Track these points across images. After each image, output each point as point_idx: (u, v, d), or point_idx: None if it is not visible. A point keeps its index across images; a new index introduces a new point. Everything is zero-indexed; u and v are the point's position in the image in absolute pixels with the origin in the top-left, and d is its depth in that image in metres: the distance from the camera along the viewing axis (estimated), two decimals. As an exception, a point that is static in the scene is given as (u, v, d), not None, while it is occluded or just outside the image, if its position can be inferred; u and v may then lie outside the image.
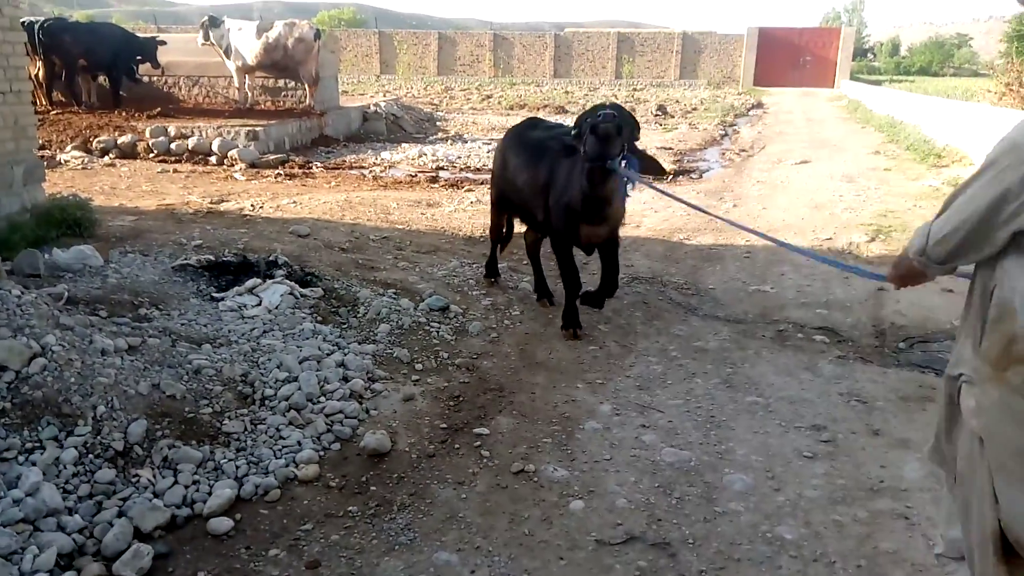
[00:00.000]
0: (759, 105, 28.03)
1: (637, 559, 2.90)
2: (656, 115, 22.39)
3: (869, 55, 58.76)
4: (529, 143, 5.35)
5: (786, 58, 41.92)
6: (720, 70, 42.02)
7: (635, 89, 35.88)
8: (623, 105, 4.99)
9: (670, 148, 15.11)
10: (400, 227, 7.82)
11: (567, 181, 4.84)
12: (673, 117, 22.19)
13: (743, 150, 15.38)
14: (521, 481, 3.42)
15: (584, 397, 4.24)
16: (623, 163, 4.48)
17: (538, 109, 24.02)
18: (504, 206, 5.83)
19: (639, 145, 4.88)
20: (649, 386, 4.39)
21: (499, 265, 6.23)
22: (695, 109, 24.99)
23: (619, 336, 5.15)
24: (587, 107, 5.50)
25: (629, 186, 4.66)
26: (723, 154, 14.99)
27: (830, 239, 7.87)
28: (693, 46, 42.63)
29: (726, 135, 18.47)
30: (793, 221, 8.61)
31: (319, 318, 4.93)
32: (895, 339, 5.20)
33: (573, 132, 4.68)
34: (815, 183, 11.19)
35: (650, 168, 4.92)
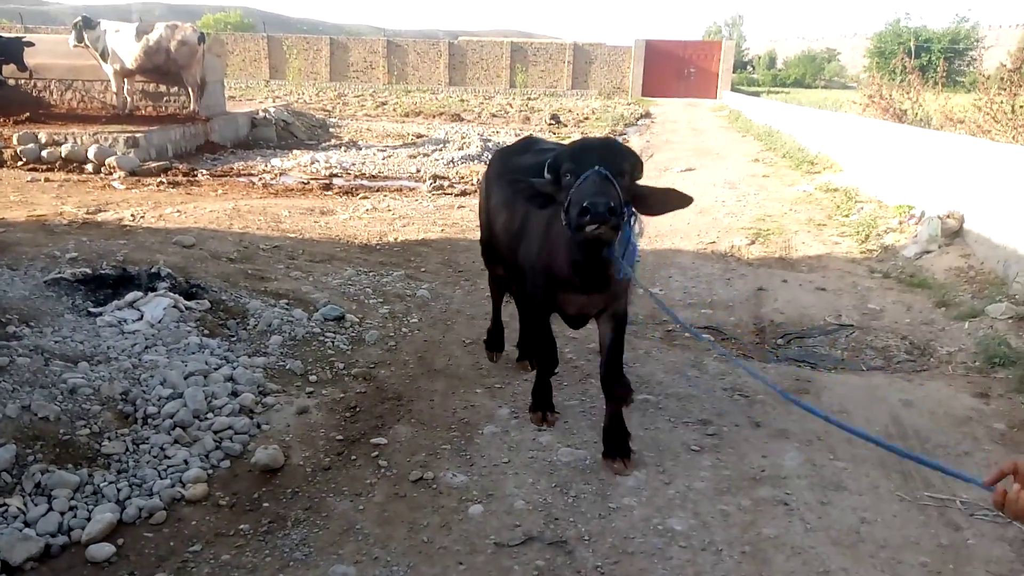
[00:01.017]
0: (647, 115, 28.97)
1: (535, 559, 2.95)
2: (550, 124, 22.77)
3: (748, 67, 61.74)
4: (512, 172, 3.84)
5: (672, 70, 43.55)
6: (610, 80, 43.20)
7: (529, 98, 36.39)
8: (616, 139, 3.75)
9: (563, 156, 15.37)
10: (292, 236, 7.64)
11: (545, 233, 3.53)
12: (566, 126, 22.62)
13: (633, 158, 15.82)
14: (420, 489, 3.41)
15: (483, 402, 4.27)
16: (631, 220, 3.29)
17: (434, 116, 24.01)
18: (491, 256, 4.52)
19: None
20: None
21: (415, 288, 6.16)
22: (587, 118, 25.56)
23: (517, 339, 5.20)
24: (514, 140, 4.51)
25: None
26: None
27: (713, 243, 8.23)
28: (584, 57, 43.66)
29: (617, 143, 18.93)
30: (680, 226, 8.95)
31: (206, 331, 4.75)
32: (774, 336, 5.49)
33: (547, 176, 3.29)
34: (699, 189, 11.67)
35: (670, 202, 3.37)
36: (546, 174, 3.27)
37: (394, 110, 26.07)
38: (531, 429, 3.97)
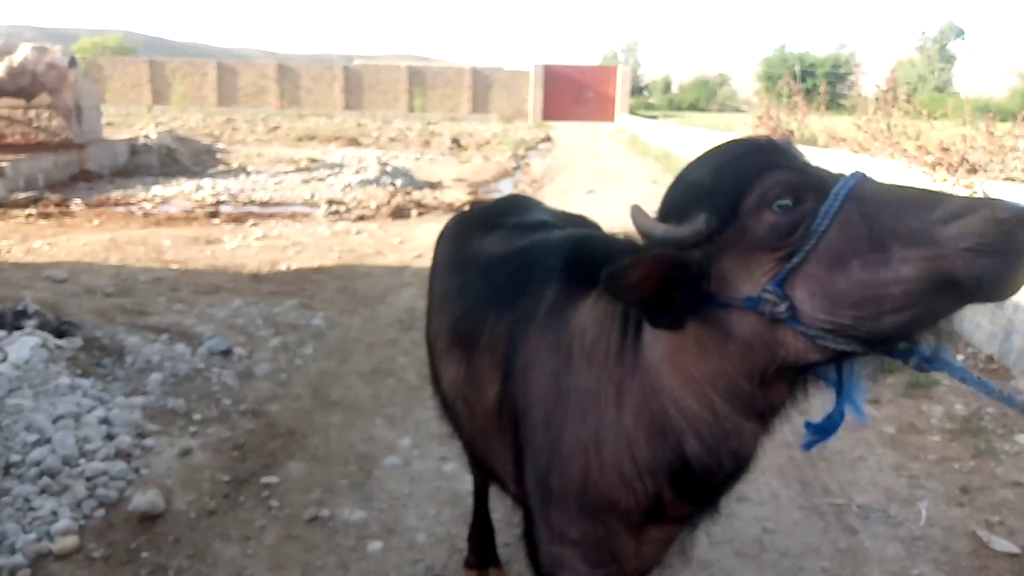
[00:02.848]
0: (548, 138, 29.40)
1: (438, 596, 2.81)
2: (450, 148, 22.77)
3: (645, 92, 63.94)
4: (491, 265, 2.15)
5: (571, 94, 44.52)
6: (511, 105, 43.74)
7: (429, 122, 36.38)
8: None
9: (465, 180, 15.37)
10: (175, 266, 7.24)
11: (618, 395, 1.61)
12: (467, 150, 22.66)
13: (534, 181, 15.99)
14: (315, 528, 3.21)
15: (383, 433, 4.10)
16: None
17: (329, 141, 23.59)
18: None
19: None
20: (448, 415, 4.33)
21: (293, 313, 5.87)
22: (488, 142, 25.70)
23: (419, 367, 5.04)
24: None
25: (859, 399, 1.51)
26: (516, 185, 15.49)
27: (614, 261, 8.32)
28: (483, 81, 44.08)
29: (518, 167, 19.11)
30: (580, 245, 9.02)
31: (78, 371, 4.39)
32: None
33: (672, 235, 1.44)
34: (601, 211, 11.81)
35: None
36: (661, 231, 1.47)
37: (287, 135, 25.47)
38: (434, 458, 3.82)
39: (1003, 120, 7.74)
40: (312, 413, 4.30)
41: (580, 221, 2.42)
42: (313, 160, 17.60)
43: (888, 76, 11.12)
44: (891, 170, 7.42)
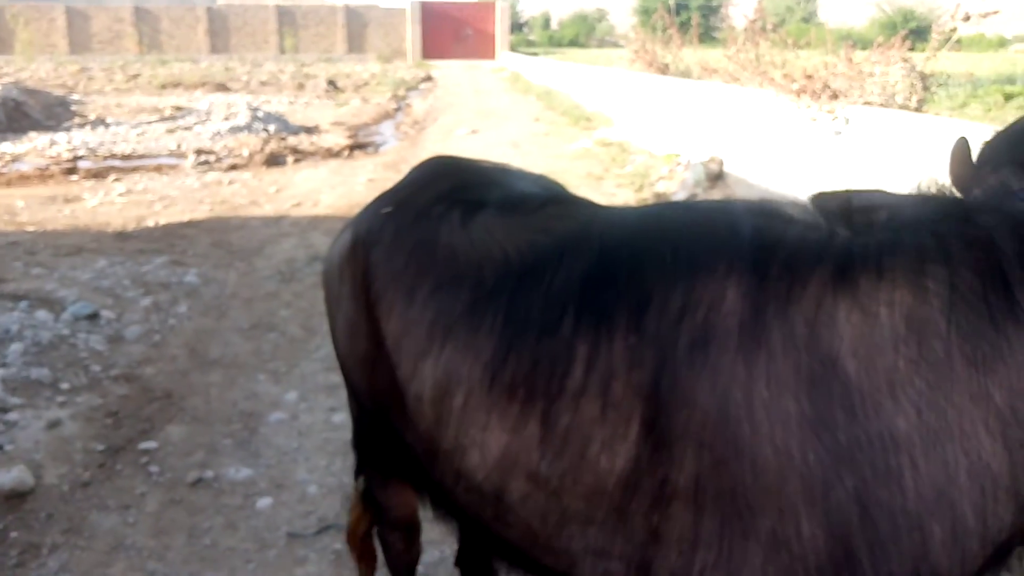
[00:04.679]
0: (429, 78, 28.78)
1: (332, 544, 2.80)
2: (327, 90, 21.94)
3: (525, 28, 63.29)
4: (538, 270, 1.44)
5: (450, 31, 43.59)
6: (388, 44, 42.42)
7: (303, 64, 34.81)
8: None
9: (343, 123, 14.89)
10: (31, 228, 6.72)
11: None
12: (344, 92, 21.91)
13: (417, 122, 15.67)
14: (200, 491, 3.12)
15: (267, 389, 3.99)
16: None
17: (196, 87, 22.27)
18: (384, 461, 1.95)
19: None
20: (337, 366, 4.26)
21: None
22: (367, 83, 24.92)
23: (302, 319, 4.92)
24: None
25: None
26: (398, 127, 15.14)
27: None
28: (358, 20, 42.48)
29: (399, 109, 18.66)
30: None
31: (-78, 347, 4.03)
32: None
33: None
34: (485, 150, 11.76)
35: None
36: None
37: (149, 83, 23.84)
38: (323, 410, 3.76)
39: (864, 48, 8.11)
40: (190, 373, 4.13)
41: (549, 182, 1.81)
42: (178, 108, 16.58)
43: (756, 7, 11.43)
44: (760, 98, 7.68)
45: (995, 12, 7.09)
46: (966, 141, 1.27)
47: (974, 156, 1.36)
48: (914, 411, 1.13)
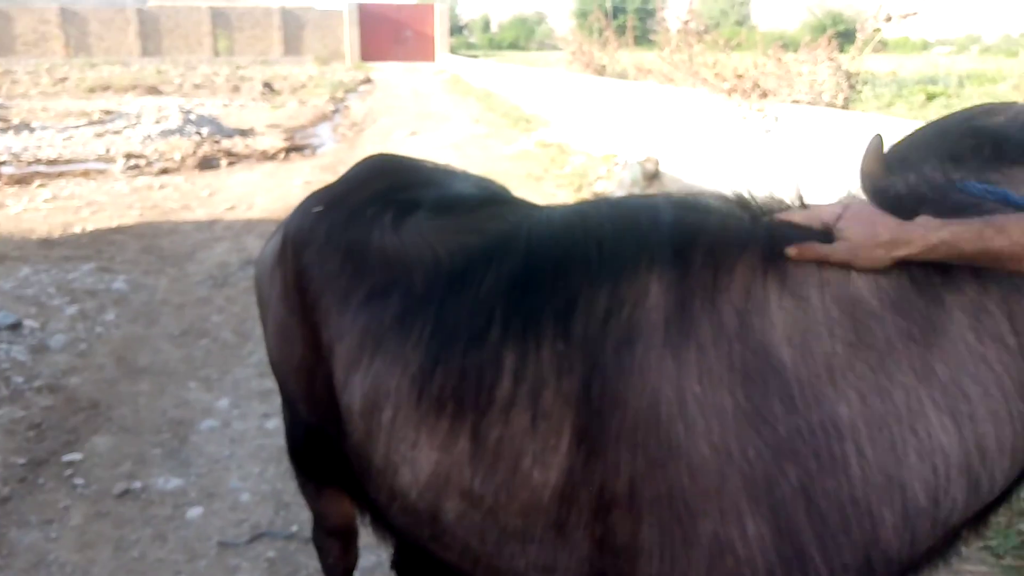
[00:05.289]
0: (368, 80, 28.52)
1: (265, 551, 2.74)
2: (263, 92, 21.56)
3: (465, 31, 63.30)
4: (468, 273, 1.39)
5: (389, 33, 43.27)
6: (326, 46, 41.89)
7: (238, 67, 34.14)
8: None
9: (279, 126, 14.63)
10: (-52, 238, 6.42)
11: None
12: (281, 94, 21.55)
13: (355, 124, 15.50)
14: (127, 502, 3.02)
15: (198, 396, 3.89)
16: None
17: (126, 91, 21.64)
18: (320, 470, 1.85)
19: None
20: (270, 371, 4.17)
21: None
22: (304, 86, 24.55)
23: (235, 324, 4.81)
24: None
25: None
26: (336, 129, 14.95)
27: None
28: (295, 22, 41.86)
29: (337, 111, 18.43)
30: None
31: None
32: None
33: None
34: (425, 152, 11.71)
35: None
36: None
37: (77, 86, 23.03)
38: (256, 416, 3.68)
39: (794, 50, 8.34)
40: (118, 383, 4.00)
41: (489, 183, 1.74)
42: (107, 112, 16.06)
43: (689, 10, 11.66)
44: (694, 98, 7.82)
45: (914, 14, 7.36)
46: (880, 139, 1.28)
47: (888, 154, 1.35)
48: (856, 396, 1.10)
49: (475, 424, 1.27)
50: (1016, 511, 2.78)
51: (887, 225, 1.13)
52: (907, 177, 1.22)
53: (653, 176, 8.05)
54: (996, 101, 1.40)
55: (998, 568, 2.56)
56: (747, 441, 1.10)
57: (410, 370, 1.35)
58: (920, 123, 1.52)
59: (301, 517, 2.91)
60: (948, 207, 1.15)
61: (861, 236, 1.13)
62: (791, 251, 1.15)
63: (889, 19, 7.46)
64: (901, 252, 1.11)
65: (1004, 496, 1.20)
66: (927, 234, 1.09)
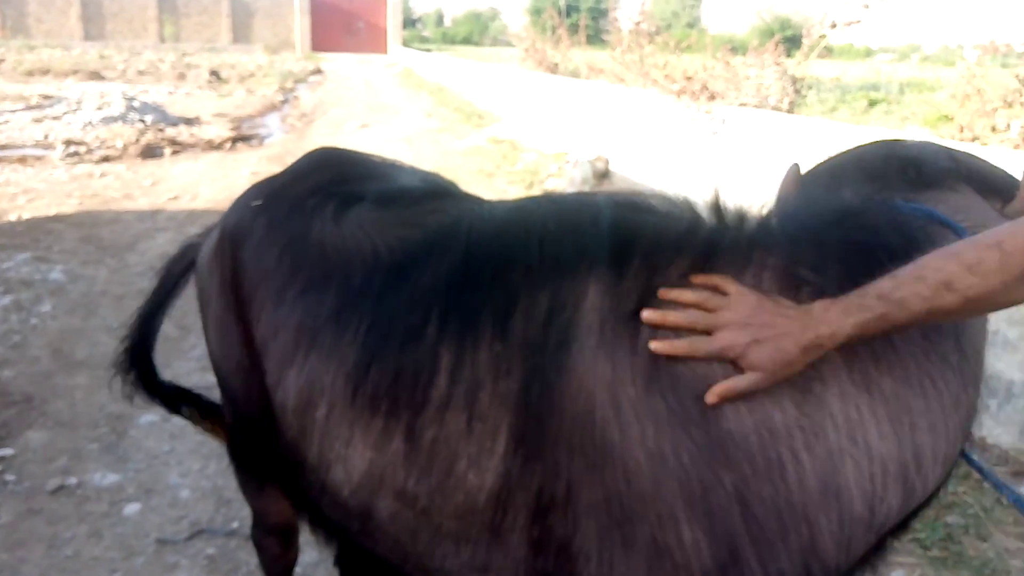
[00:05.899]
0: (318, 71, 28.16)
1: (205, 548, 2.69)
2: (209, 80, 21.11)
3: (418, 24, 62.87)
4: (406, 268, 1.35)
5: (340, 24, 42.76)
6: (276, 35, 41.19)
7: (185, 54, 33.31)
8: None
9: (226, 115, 14.34)
10: None
11: None
12: (228, 83, 21.13)
13: (305, 115, 15.29)
14: (61, 499, 2.94)
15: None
16: None
17: (66, 75, 20.95)
18: (259, 468, 1.81)
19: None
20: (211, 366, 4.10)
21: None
22: (253, 75, 24.11)
23: (176, 317, 4.65)
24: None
25: None
26: (284, 120, 14.72)
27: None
28: (244, 9, 41.05)
29: (287, 101, 18.15)
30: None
31: None
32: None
33: None
34: (376, 146, 11.60)
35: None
36: None
37: (14, 69, 22.21)
38: (198, 410, 3.61)
39: (743, 53, 8.51)
40: (53, 376, 3.88)
41: (436, 178, 1.69)
42: (46, 96, 15.53)
43: (641, 11, 11.79)
44: (644, 98, 7.92)
45: (857, 21, 7.57)
46: (798, 167, 1.32)
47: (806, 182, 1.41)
48: (791, 403, 1.09)
49: (410, 424, 1.25)
50: (943, 504, 2.90)
51: (790, 335, 1.07)
52: (819, 199, 1.25)
53: (603, 175, 8.12)
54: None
55: (925, 559, 2.66)
56: (681, 446, 1.09)
57: (345, 367, 1.32)
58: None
59: (242, 514, 2.87)
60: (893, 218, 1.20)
61: (770, 363, 1.07)
62: (710, 399, 1.09)
63: (834, 26, 7.68)
64: (812, 357, 1.08)
65: (930, 499, 1.24)
66: (834, 333, 1.06)
